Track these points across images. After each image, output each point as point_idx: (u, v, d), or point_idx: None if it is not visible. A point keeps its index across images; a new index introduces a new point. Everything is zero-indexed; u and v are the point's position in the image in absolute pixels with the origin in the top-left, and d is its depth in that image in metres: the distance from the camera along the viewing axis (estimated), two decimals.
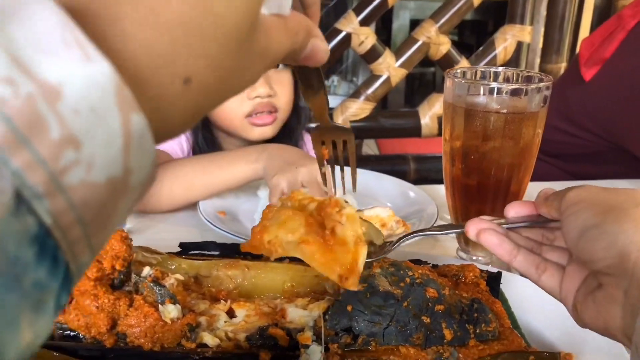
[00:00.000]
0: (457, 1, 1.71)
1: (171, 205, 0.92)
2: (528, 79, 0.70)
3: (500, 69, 0.72)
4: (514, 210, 0.47)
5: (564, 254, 0.45)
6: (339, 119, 1.77)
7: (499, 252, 0.45)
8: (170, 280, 0.50)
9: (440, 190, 0.76)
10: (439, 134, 0.70)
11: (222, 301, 0.51)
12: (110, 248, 0.49)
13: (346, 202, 0.46)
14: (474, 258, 0.75)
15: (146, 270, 0.50)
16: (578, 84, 1.28)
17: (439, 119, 1.77)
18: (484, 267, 0.62)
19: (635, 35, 1.19)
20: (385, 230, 0.82)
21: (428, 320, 0.50)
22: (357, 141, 2.64)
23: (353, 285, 0.42)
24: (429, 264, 0.62)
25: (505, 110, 0.66)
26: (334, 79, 3.12)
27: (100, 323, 0.46)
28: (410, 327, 0.49)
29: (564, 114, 1.31)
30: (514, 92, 0.66)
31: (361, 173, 0.98)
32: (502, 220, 0.46)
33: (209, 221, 0.82)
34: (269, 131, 1.07)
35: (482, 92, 0.67)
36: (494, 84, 0.67)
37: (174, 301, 0.48)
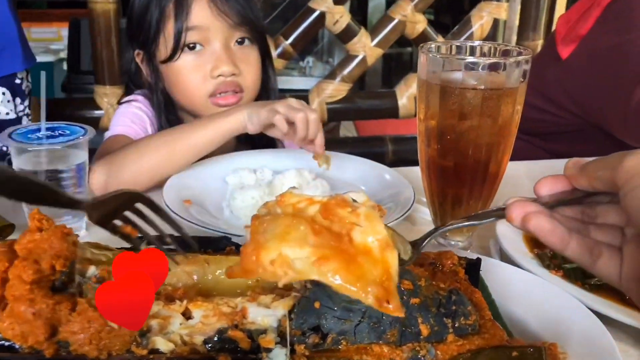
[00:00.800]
0: None
1: (151, 179, 0.88)
2: (506, 53, 0.66)
3: (476, 42, 0.68)
4: (547, 187, 0.40)
5: (614, 233, 0.39)
6: (315, 101, 1.73)
7: (551, 240, 0.39)
8: None
9: (418, 171, 0.72)
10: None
11: (177, 301, 0.46)
12: (49, 246, 0.44)
13: (354, 200, 0.39)
14: (452, 243, 0.71)
15: (91, 270, 0.45)
16: (555, 62, 1.26)
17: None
18: (463, 254, 0.59)
19: (610, 12, 1.16)
20: None
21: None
22: (334, 123, 2.58)
23: (397, 310, 0.35)
24: None
25: (482, 87, 0.62)
26: (309, 60, 3.05)
27: (38, 331, 0.41)
28: (384, 323, 0.45)
29: (540, 91, 1.28)
30: (492, 67, 0.62)
31: (334, 155, 0.94)
32: (542, 201, 0.40)
33: (172, 211, 0.77)
34: None
35: (458, 67, 0.62)
36: (471, 59, 0.63)
37: None
